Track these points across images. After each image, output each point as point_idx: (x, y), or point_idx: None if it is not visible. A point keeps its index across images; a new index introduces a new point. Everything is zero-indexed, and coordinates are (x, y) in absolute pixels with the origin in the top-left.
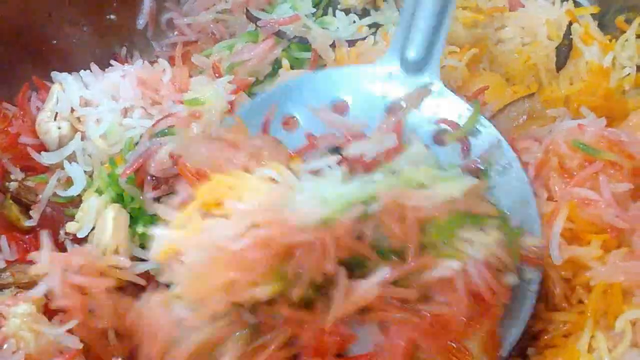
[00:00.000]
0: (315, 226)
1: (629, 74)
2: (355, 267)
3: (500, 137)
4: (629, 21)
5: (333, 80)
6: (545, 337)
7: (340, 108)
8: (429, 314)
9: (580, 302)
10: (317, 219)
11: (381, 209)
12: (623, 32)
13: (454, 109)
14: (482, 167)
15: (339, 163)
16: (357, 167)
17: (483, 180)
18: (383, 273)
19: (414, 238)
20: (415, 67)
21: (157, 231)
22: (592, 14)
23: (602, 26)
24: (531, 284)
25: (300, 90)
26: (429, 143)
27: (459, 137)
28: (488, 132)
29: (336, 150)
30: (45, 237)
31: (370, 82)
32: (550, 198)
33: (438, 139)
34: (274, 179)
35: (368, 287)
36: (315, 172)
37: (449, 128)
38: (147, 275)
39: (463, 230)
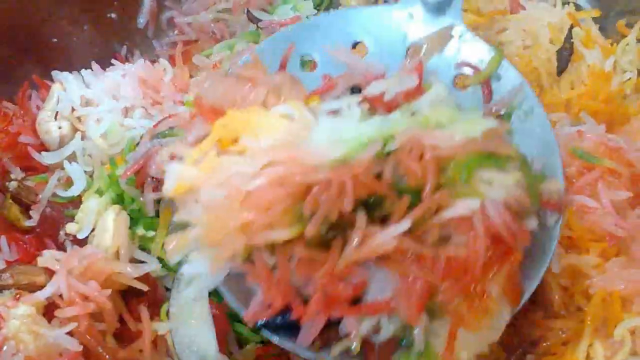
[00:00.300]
0: (332, 164)
1: (630, 78)
2: (373, 207)
3: (523, 81)
4: (629, 25)
5: (352, 20)
6: (544, 344)
7: (359, 49)
8: (446, 256)
9: (579, 309)
10: (335, 157)
11: (399, 148)
12: (624, 36)
13: (475, 52)
14: (504, 112)
15: (358, 103)
16: (377, 107)
17: (504, 123)
18: (403, 225)
19: (431, 176)
20: (437, 9)
21: (170, 166)
22: (593, 18)
23: (602, 30)
24: (552, 230)
25: (318, 30)
26: (449, 87)
27: (481, 81)
28: (511, 76)
29: (355, 90)
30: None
31: (390, 23)
32: None
33: (459, 82)
34: (291, 117)
35: (386, 239)
36: (334, 113)
37: (470, 71)
38: (148, 277)
39: (482, 170)
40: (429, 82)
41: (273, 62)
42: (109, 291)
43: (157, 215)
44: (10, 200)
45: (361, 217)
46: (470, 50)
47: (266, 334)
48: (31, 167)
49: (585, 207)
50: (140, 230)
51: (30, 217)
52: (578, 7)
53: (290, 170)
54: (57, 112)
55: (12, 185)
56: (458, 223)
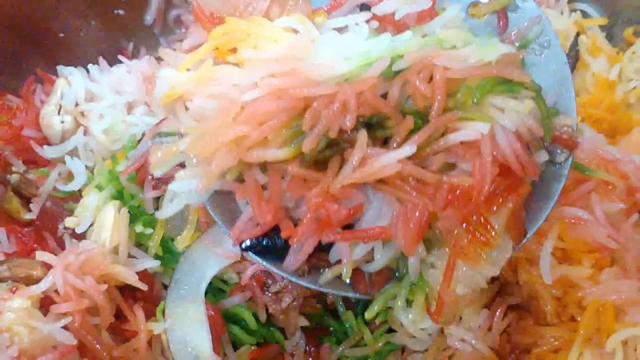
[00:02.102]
0: (336, 81)
1: (635, 87)
2: (375, 129)
3: (541, 13)
4: (637, 34)
5: None
6: (536, 350)
7: None
8: (450, 183)
9: (572, 319)
10: (339, 73)
11: (408, 67)
12: (631, 44)
13: None
14: (519, 44)
15: (367, 21)
16: (387, 26)
17: (520, 50)
18: (408, 149)
19: (440, 97)
20: None
21: (162, 71)
22: (600, 26)
23: (610, 38)
24: (561, 169)
25: None
26: (463, 15)
27: (496, 10)
28: (528, 7)
29: (364, 8)
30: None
31: None
32: None
33: (473, 11)
34: (295, 30)
35: (389, 161)
36: (340, 30)
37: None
38: (145, 274)
39: (494, 96)
40: (442, 6)
41: None
42: (105, 286)
43: None
44: (11, 193)
45: (362, 136)
46: None
47: (251, 256)
48: (33, 161)
49: (579, 219)
50: (138, 227)
51: (30, 210)
52: (585, 15)
53: (291, 83)
54: (60, 107)
55: (14, 178)
56: (465, 149)
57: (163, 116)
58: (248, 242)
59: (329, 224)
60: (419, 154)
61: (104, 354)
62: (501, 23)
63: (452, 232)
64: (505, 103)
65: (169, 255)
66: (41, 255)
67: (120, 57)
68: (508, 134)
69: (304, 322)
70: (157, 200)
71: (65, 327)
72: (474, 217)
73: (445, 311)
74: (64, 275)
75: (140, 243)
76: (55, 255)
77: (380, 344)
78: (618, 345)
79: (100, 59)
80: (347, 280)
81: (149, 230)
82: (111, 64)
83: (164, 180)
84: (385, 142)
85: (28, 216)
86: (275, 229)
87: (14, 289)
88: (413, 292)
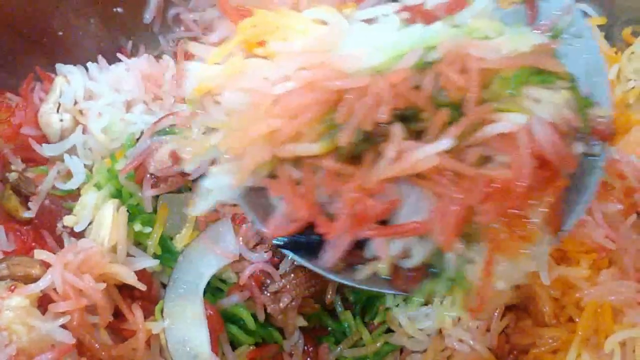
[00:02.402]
0: (368, 73)
1: (633, 87)
2: (409, 121)
3: (571, 3)
4: (635, 34)
5: None
6: (534, 351)
7: None
8: (488, 176)
9: (571, 319)
10: (371, 65)
11: (441, 59)
12: (629, 44)
13: None
14: (550, 35)
15: (397, 12)
16: (416, 17)
17: (554, 40)
18: (446, 142)
19: (475, 88)
20: None
21: (191, 65)
22: (598, 26)
23: (608, 38)
24: (598, 160)
25: None
26: (493, 5)
27: (525, 0)
28: None
29: None
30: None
31: None
32: None
33: (502, 0)
34: (324, 21)
35: (426, 156)
36: (369, 21)
37: None
38: (144, 273)
39: (530, 87)
40: None
41: None
42: (104, 285)
43: (155, 211)
44: (10, 191)
45: (398, 130)
46: None
47: (286, 252)
48: (32, 159)
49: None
50: (137, 226)
51: (29, 209)
52: (584, 15)
53: (323, 76)
54: (59, 105)
55: (13, 176)
56: (501, 141)
57: (161, 113)
58: (284, 239)
59: (365, 220)
60: (455, 147)
61: (102, 353)
62: (530, 13)
63: (490, 227)
64: (540, 94)
65: (167, 254)
66: (40, 254)
67: (119, 55)
68: (545, 125)
69: (302, 322)
70: (156, 199)
71: (63, 326)
72: (513, 211)
73: (484, 307)
74: (62, 274)
75: (139, 242)
76: (54, 253)
77: (378, 344)
78: (616, 347)
79: (100, 57)
80: (385, 277)
81: (147, 229)
82: (110, 63)
83: (163, 179)
84: (417, 136)
85: (27, 214)
86: (309, 225)
87: (13, 287)
88: (452, 288)
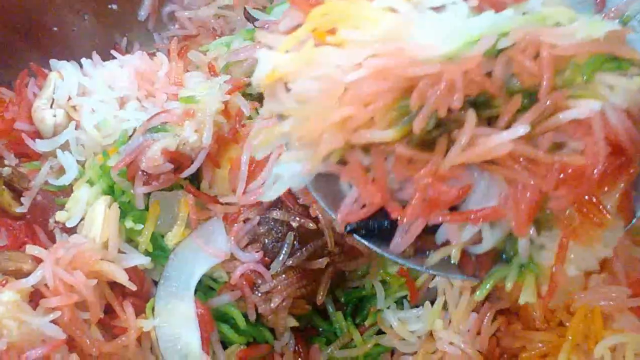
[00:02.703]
0: (440, 60)
1: None
2: (481, 108)
3: None
4: None
5: None
6: (524, 354)
7: None
8: (562, 162)
9: (561, 324)
10: (444, 52)
11: (513, 45)
12: None
13: None
14: (619, 20)
15: (465, 0)
16: (484, 5)
17: (626, 27)
18: (521, 128)
19: (548, 74)
20: None
21: (261, 52)
22: None
23: None
24: None
25: None
26: None
27: None
28: None
29: None
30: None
31: None
32: None
33: None
34: (394, 9)
35: (500, 142)
36: (438, 9)
37: None
38: (136, 270)
39: (603, 74)
40: None
41: None
42: (95, 282)
43: (147, 208)
44: (3, 186)
45: (471, 116)
46: None
47: (357, 238)
48: (25, 154)
49: None
50: (128, 223)
51: (21, 204)
52: None
53: (395, 63)
54: (52, 100)
55: (6, 171)
56: (575, 127)
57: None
58: (354, 224)
59: (437, 205)
60: (528, 134)
61: (93, 349)
62: (599, 0)
63: (564, 213)
64: (615, 80)
65: (159, 251)
66: (31, 249)
67: (113, 52)
68: (619, 111)
69: (293, 322)
70: (148, 196)
71: (54, 322)
72: (586, 197)
73: (556, 294)
74: (53, 270)
75: (130, 239)
76: (46, 249)
77: (369, 346)
78: (606, 352)
79: (94, 53)
80: (455, 263)
81: (139, 226)
82: (104, 59)
83: (155, 177)
84: (489, 123)
85: (19, 209)
86: (379, 212)
87: (4, 282)
88: (523, 274)
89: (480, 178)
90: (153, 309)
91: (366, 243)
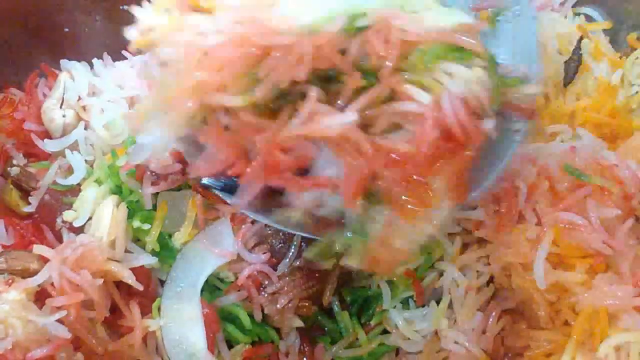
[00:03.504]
0: (298, 32)
1: (637, 92)
2: (332, 82)
3: None
4: None
5: None
6: (529, 353)
7: None
8: (388, 147)
9: (566, 323)
10: (302, 24)
11: (368, 26)
12: (634, 49)
13: None
14: (492, 11)
15: None
16: None
17: (480, 22)
18: (349, 115)
19: (393, 57)
20: None
21: (138, 10)
22: (603, 30)
23: (613, 42)
24: (517, 135)
25: None
26: None
27: None
28: None
29: None
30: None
31: None
32: (539, 223)
33: None
34: None
35: (332, 123)
36: None
37: None
38: (142, 269)
39: (446, 62)
40: None
41: None
42: (101, 281)
43: (155, 208)
44: (11, 186)
45: (313, 92)
46: None
47: (218, 193)
48: (34, 154)
49: (574, 224)
50: (136, 223)
51: (29, 203)
52: (590, 19)
53: (252, 31)
54: (62, 101)
55: (14, 170)
56: (410, 113)
57: None
58: (212, 180)
59: (276, 170)
60: (367, 114)
61: (99, 348)
62: None
63: (391, 190)
64: (454, 69)
65: (166, 251)
66: (38, 249)
67: (124, 52)
68: (453, 99)
69: (299, 322)
70: (156, 196)
71: (60, 321)
72: (415, 177)
73: (382, 263)
74: (60, 269)
75: (137, 238)
76: (53, 248)
77: (374, 345)
78: (611, 351)
79: (105, 54)
80: (296, 221)
81: (146, 226)
82: (115, 60)
83: (163, 177)
84: (336, 97)
85: (27, 209)
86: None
87: (10, 281)
88: (349, 240)
89: (325, 149)
90: (159, 309)
91: (221, 195)
